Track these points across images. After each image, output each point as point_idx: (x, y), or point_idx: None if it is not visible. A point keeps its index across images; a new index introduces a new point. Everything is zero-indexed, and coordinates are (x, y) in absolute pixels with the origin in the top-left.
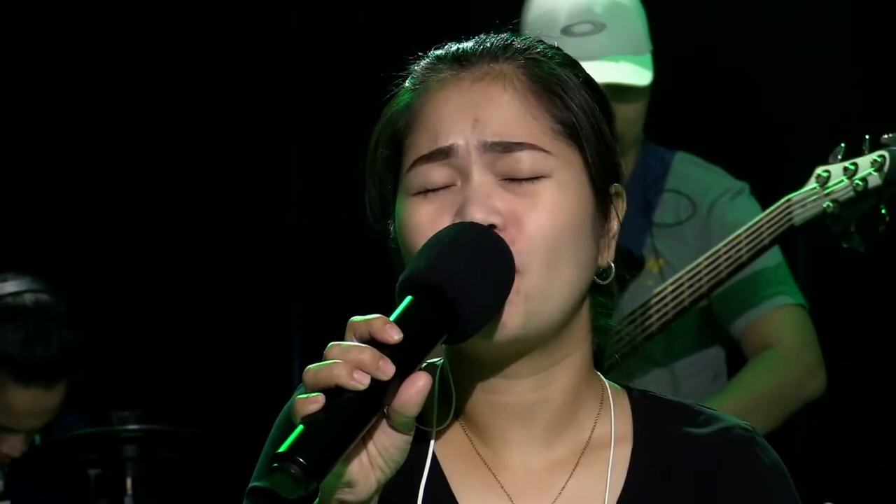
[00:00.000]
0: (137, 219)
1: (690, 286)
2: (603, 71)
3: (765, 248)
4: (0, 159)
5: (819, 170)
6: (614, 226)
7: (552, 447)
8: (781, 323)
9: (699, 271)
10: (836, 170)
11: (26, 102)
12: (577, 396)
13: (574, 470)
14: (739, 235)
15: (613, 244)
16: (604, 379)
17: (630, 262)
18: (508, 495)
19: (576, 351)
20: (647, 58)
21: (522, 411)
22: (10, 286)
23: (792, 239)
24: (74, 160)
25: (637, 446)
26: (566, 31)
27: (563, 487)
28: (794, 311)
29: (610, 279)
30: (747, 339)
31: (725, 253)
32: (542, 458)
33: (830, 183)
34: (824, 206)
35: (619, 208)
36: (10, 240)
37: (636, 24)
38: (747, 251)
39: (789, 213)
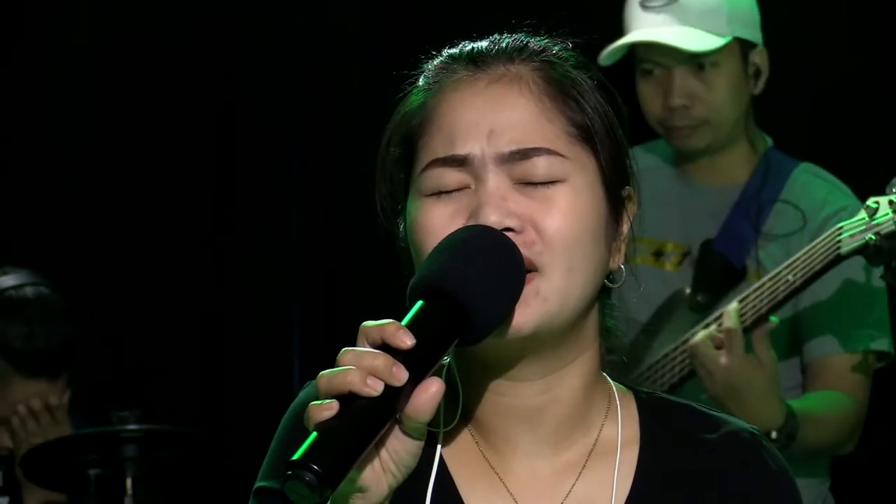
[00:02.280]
0: (137, 219)
1: (753, 306)
2: (648, 33)
3: (816, 275)
4: (2, 157)
5: (870, 200)
6: (625, 229)
7: (559, 450)
8: (856, 369)
9: (762, 291)
10: (884, 202)
11: (27, 100)
12: (585, 399)
13: (580, 473)
14: (797, 259)
15: (624, 247)
16: (610, 381)
17: (730, 272)
18: (515, 499)
19: (584, 353)
20: (725, 38)
21: (530, 414)
22: (10, 279)
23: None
24: (76, 160)
25: (644, 449)
26: (643, 5)
27: (570, 491)
28: (871, 359)
29: (620, 283)
30: (817, 370)
31: (784, 276)
32: (549, 461)
33: (877, 215)
34: (867, 237)
35: (630, 212)
36: (11, 238)
37: (717, 3)
38: (801, 276)
39: (838, 242)
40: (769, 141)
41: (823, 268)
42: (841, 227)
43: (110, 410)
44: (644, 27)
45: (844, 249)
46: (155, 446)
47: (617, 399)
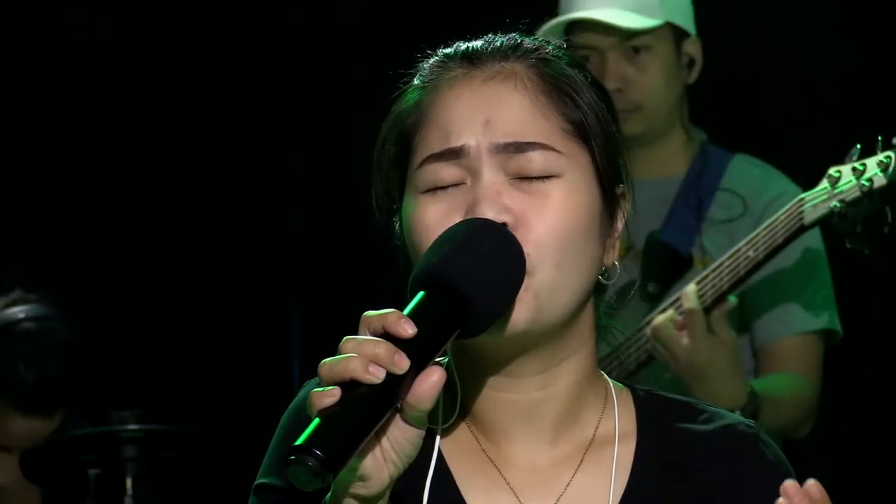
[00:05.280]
0: (137, 219)
1: (713, 286)
2: (584, 12)
3: (779, 248)
4: (1, 156)
5: (831, 170)
6: (619, 226)
7: (557, 444)
8: (808, 351)
9: (721, 270)
10: (846, 170)
11: (27, 100)
12: (581, 394)
13: (579, 467)
14: (758, 234)
15: (618, 244)
16: (607, 377)
17: (677, 262)
18: (514, 492)
19: (580, 349)
20: (656, 21)
21: (527, 409)
22: (16, 311)
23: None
24: (75, 160)
25: (641, 443)
26: None
27: (569, 484)
28: (821, 339)
29: (614, 279)
30: (770, 354)
31: (744, 252)
32: (547, 454)
33: (840, 183)
34: (832, 205)
35: (625, 209)
36: (11, 239)
37: None
38: (763, 250)
39: (801, 212)
40: (704, 135)
41: (786, 240)
42: (803, 199)
43: (110, 410)
44: (580, 9)
45: (808, 219)
46: (155, 446)
47: (613, 395)
